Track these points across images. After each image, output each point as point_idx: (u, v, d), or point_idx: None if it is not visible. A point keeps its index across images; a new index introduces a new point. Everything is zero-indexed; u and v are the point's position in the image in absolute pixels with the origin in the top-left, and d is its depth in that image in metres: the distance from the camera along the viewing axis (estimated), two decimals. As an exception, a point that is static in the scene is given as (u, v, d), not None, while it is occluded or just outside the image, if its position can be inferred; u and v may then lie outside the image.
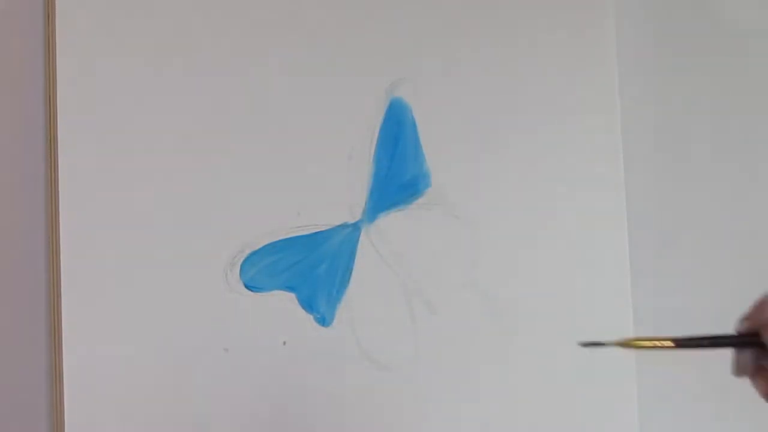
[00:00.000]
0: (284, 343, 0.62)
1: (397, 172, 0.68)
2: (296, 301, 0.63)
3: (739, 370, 0.45)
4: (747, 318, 0.44)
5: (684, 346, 0.48)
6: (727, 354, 0.46)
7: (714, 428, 0.80)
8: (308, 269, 0.63)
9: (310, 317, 0.63)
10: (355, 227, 0.66)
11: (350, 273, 0.65)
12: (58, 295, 0.55)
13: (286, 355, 0.62)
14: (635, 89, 0.83)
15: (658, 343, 0.49)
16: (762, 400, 0.44)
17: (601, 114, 0.81)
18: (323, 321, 0.64)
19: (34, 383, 0.56)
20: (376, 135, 0.67)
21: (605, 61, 0.82)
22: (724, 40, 0.89)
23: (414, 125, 0.69)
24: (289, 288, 0.63)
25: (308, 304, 0.63)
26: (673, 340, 0.48)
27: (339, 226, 0.65)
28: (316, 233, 0.64)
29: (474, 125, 0.73)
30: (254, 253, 0.61)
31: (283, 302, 0.62)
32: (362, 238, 0.66)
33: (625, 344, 0.50)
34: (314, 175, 0.64)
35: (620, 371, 0.78)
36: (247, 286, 0.61)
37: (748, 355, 0.44)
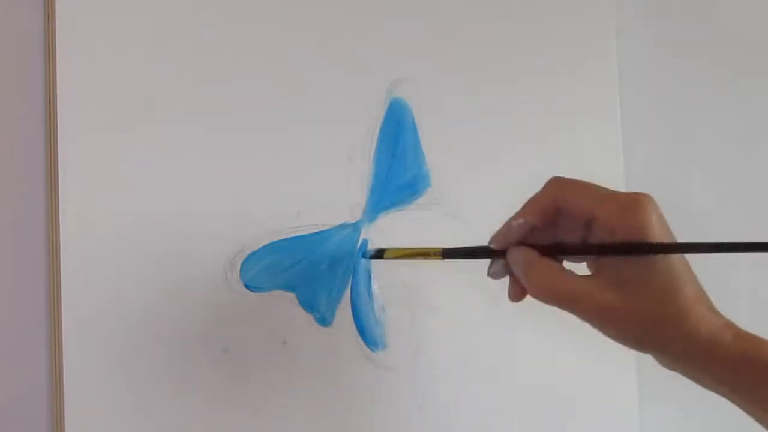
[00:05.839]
0: (284, 343, 0.62)
1: (397, 172, 0.68)
2: (296, 301, 0.63)
3: (492, 275, 0.56)
4: (494, 241, 0.55)
5: (448, 256, 0.58)
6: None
7: (714, 428, 0.80)
8: (308, 269, 0.63)
9: (310, 317, 0.63)
10: (355, 227, 0.66)
11: (350, 273, 0.65)
12: (58, 295, 0.55)
13: (286, 355, 0.62)
14: (635, 89, 0.83)
15: (425, 251, 0.59)
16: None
17: (601, 114, 0.81)
18: (323, 321, 0.64)
19: (34, 383, 0.56)
20: (376, 135, 0.67)
21: (605, 61, 0.82)
22: (724, 40, 0.89)
23: (414, 125, 0.69)
24: (289, 288, 0.63)
25: (308, 304, 0.63)
26: (442, 250, 0.59)
27: (339, 226, 0.65)
28: (316, 233, 0.64)
29: (474, 125, 0.73)
30: (254, 253, 0.61)
31: (283, 302, 0.62)
32: (362, 238, 0.66)
33: (394, 254, 0.62)
34: (314, 175, 0.64)
35: (620, 371, 0.78)
36: (247, 286, 0.61)
37: (500, 264, 0.55)
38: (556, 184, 0.54)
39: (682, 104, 0.88)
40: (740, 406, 0.50)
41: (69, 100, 0.56)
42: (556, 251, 0.53)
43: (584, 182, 0.53)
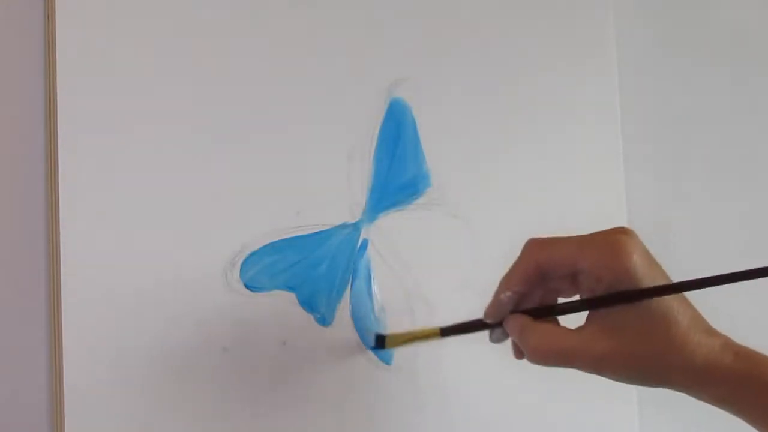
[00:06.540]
0: (284, 343, 0.62)
1: (397, 172, 0.68)
2: (296, 301, 0.63)
3: (494, 341, 0.57)
4: (488, 315, 0.56)
5: (446, 334, 0.59)
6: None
7: (714, 428, 0.80)
8: (308, 269, 0.63)
9: (310, 317, 0.63)
10: (355, 227, 0.66)
11: (350, 273, 0.65)
12: (58, 295, 0.55)
13: (286, 355, 0.62)
14: (635, 89, 0.83)
15: (424, 334, 0.61)
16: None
17: (601, 114, 0.81)
18: (323, 321, 0.64)
19: (34, 381, 0.56)
20: (376, 135, 0.67)
21: (605, 61, 0.82)
22: (724, 40, 0.89)
23: (414, 125, 0.69)
24: (289, 288, 0.63)
25: (308, 304, 0.63)
26: (440, 329, 0.60)
27: (339, 226, 0.65)
28: (316, 233, 0.64)
29: (474, 125, 0.73)
30: (254, 253, 0.61)
31: (283, 302, 0.62)
32: (362, 238, 0.66)
33: (394, 341, 0.64)
34: (314, 175, 0.64)
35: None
36: (247, 286, 0.61)
37: (499, 331, 0.56)
38: (534, 247, 0.54)
39: (682, 104, 0.88)
40: (750, 424, 0.50)
41: (69, 100, 0.56)
42: (548, 313, 0.55)
43: (561, 238, 0.54)
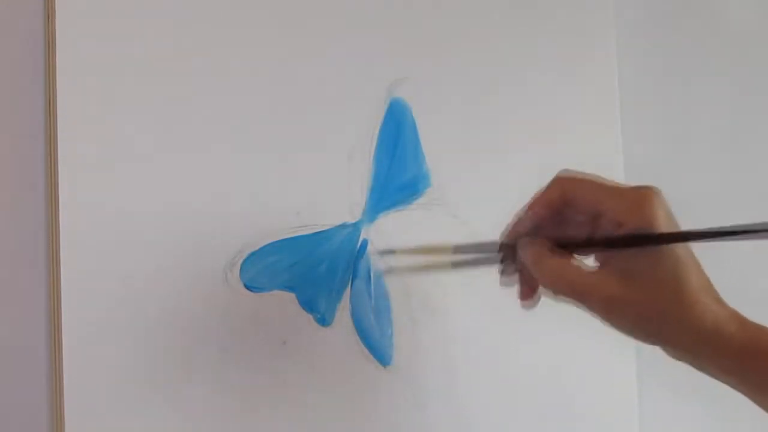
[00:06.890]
0: (284, 343, 0.62)
1: (397, 172, 0.68)
2: (296, 301, 0.63)
3: (504, 283, 0.57)
4: (504, 234, 0.56)
5: (459, 251, 0.59)
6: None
7: (714, 428, 0.80)
8: (308, 269, 0.63)
9: (310, 317, 0.63)
10: (355, 227, 0.66)
11: (350, 273, 0.65)
12: (58, 296, 0.55)
13: (286, 355, 0.62)
14: (635, 89, 0.83)
15: (436, 249, 0.60)
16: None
17: (601, 114, 0.81)
18: (323, 321, 0.64)
19: (35, 383, 0.56)
20: (376, 135, 0.67)
21: (605, 61, 0.82)
22: (724, 39, 0.89)
23: (414, 125, 0.69)
24: (289, 288, 0.63)
25: (308, 304, 0.63)
26: (453, 246, 0.60)
27: (339, 226, 0.65)
28: (316, 233, 0.64)
29: (474, 125, 0.73)
30: (254, 253, 0.61)
31: (283, 302, 0.62)
32: (362, 238, 0.66)
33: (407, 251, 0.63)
34: (314, 175, 0.64)
35: (620, 369, 0.78)
36: (247, 286, 0.61)
37: (510, 267, 0.56)
38: (564, 178, 0.54)
39: (682, 104, 0.88)
40: (748, 396, 0.50)
41: (69, 99, 0.56)
42: (565, 245, 0.54)
43: (592, 177, 0.54)
